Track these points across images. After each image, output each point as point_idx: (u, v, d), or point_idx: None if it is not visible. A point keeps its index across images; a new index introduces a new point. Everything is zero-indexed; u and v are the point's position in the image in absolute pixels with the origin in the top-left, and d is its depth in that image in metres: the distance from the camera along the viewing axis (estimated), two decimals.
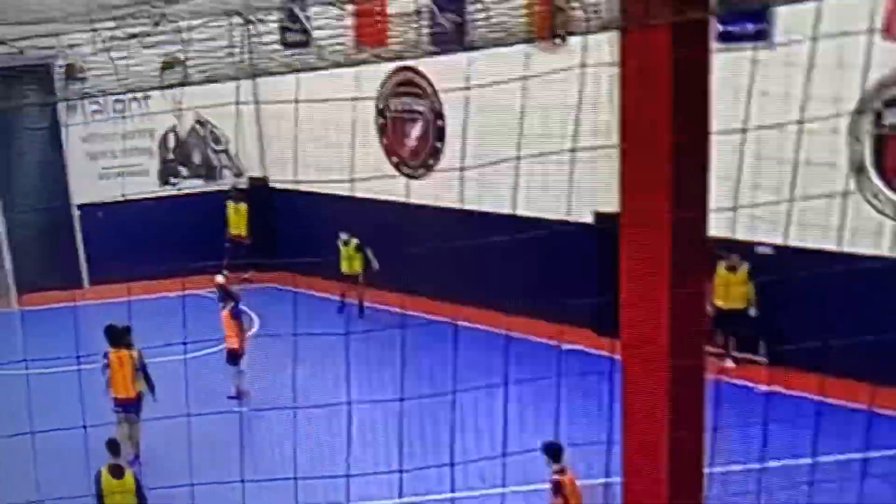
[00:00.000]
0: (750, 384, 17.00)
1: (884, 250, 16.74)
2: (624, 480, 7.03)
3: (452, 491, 12.14)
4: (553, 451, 13.04)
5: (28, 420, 11.20)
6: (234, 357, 19.08)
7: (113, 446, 14.14)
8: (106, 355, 17.09)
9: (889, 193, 17.90)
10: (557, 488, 12.91)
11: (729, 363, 18.70)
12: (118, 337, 17.02)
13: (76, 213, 26.91)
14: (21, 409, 12.08)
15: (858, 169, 18.03)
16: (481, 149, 17.05)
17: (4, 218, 26.10)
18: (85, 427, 11.97)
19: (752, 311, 19.01)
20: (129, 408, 17.09)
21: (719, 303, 18.62)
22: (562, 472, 13.06)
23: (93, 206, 26.75)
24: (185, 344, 13.56)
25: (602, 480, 10.01)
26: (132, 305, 14.45)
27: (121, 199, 24.53)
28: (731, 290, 18.67)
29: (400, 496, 12.48)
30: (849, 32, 7.86)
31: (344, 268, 23.64)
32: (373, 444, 14.94)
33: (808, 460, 10.81)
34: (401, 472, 11.37)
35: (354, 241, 23.56)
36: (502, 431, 12.46)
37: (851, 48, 10.67)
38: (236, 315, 19.54)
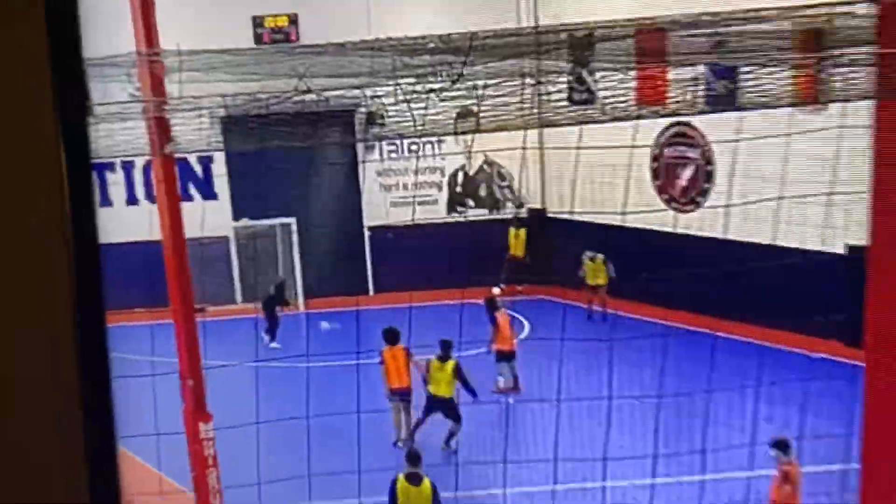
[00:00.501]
0: None
1: None
2: (863, 467, 7.44)
3: (703, 473, 12.60)
4: (783, 445, 12.66)
5: (306, 405, 11.47)
6: (505, 356, 19.44)
7: (413, 457, 13.19)
8: (381, 353, 17.46)
9: None
10: (786, 477, 12.60)
11: None
12: (393, 337, 17.36)
13: (367, 233, 27.80)
14: (301, 395, 12.34)
15: None
16: (746, 187, 17.89)
17: (299, 236, 26.96)
18: (358, 412, 12.82)
19: None
20: (403, 396, 17.41)
21: None
22: (789, 464, 12.64)
23: (383, 228, 27.58)
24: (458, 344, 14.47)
25: (841, 466, 10.16)
26: (413, 311, 15.37)
27: (410, 223, 26.02)
28: None
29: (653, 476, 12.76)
30: None
31: (589, 280, 24.31)
32: (631, 433, 14.98)
33: None
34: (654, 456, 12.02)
35: (600, 256, 24.11)
36: (751, 424, 12.75)
37: None
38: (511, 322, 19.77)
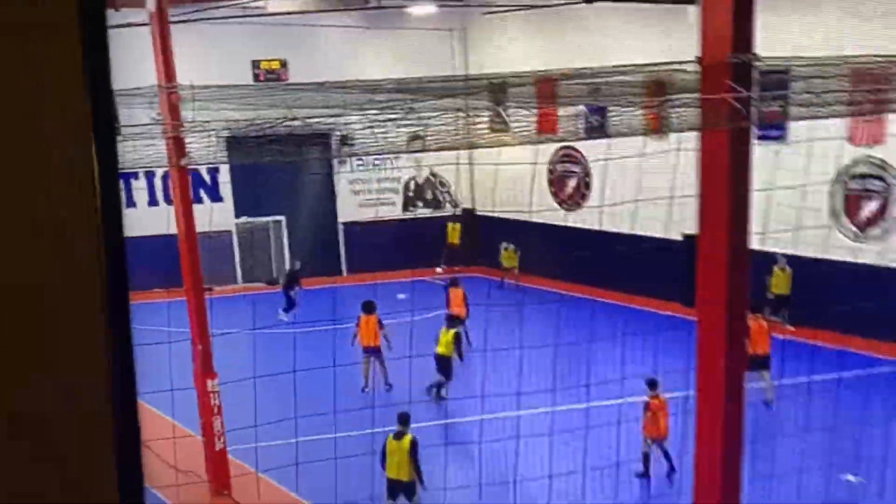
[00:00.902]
0: None
1: (845, 258, 17.89)
2: (697, 391, 7.22)
3: (588, 401, 12.54)
4: (652, 384, 12.57)
5: (293, 364, 10.78)
6: (456, 320, 17.91)
7: (403, 418, 11.71)
8: (358, 318, 16.81)
9: (850, 226, 19.29)
10: (650, 406, 12.54)
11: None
12: (370, 307, 16.79)
13: (340, 227, 27.43)
14: (288, 356, 11.57)
15: (834, 212, 19.40)
16: (613, 192, 17.99)
17: (287, 230, 26.59)
18: (335, 365, 12.37)
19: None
20: (373, 353, 16.91)
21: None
22: (656, 396, 12.47)
23: (353, 224, 27.32)
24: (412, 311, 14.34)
25: (684, 393, 10.05)
26: (377, 286, 15.01)
27: (374, 219, 26.00)
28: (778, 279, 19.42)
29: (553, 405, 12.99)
30: (830, 137, 8.28)
31: (504, 263, 24.34)
32: (536, 373, 14.42)
33: None
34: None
35: (512, 246, 24.23)
36: (620, 364, 12.63)
37: (832, 145, 11.37)
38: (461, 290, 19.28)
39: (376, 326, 16.94)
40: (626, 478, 12.23)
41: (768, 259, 18.61)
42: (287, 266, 25.21)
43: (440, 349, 16.38)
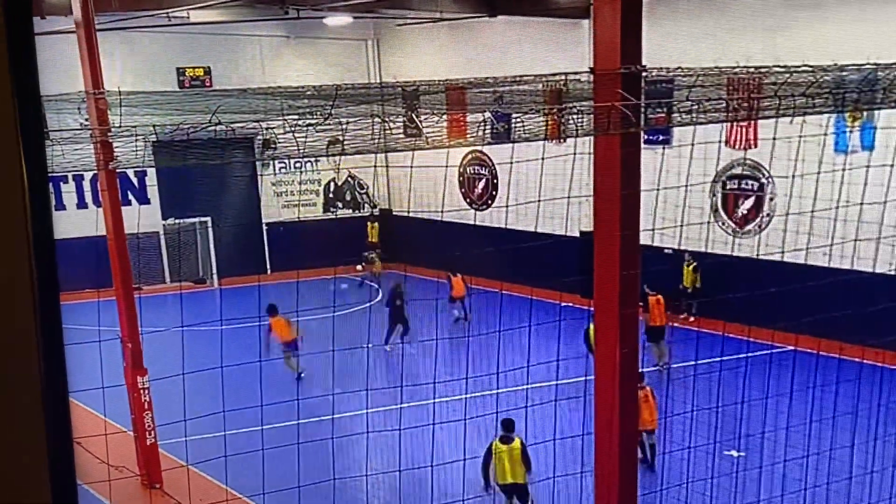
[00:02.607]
0: None
1: (727, 251, 18.36)
2: (595, 366, 7.27)
3: (500, 387, 12.68)
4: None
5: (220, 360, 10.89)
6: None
7: (508, 424, 11.03)
8: (269, 322, 16.94)
9: (729, 222, 20.18)
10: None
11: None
12: (273, 310, 17.02)
13: (264, 227, 27.05)
14: (216, 352, 11.07)
15: (715, 210, 20.20)
16: (518, 193, 18.28)
17: (212, 230, 25.99)
18: (261, 361, 11.86)
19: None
20: (291, 347, 17.02)
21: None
22: (643, 388, 11.87)
23: (276, 224, 26.98)
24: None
25: (584, 377, 10.32)
26: (300, 284, 14.76)
27: (296, 220, 25.78)
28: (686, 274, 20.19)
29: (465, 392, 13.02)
30: (710, 141, 8.64)
31: (372, 269, 24.40)
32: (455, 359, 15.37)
33: None
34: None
35: (375, 253, 24.59)
36: (523, 350, 12.73)
37: (712, 148, 11.79)
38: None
39: (286, 324, 17.12)
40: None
41: (680, 254, 19.45)
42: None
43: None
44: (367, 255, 24.53)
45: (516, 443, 11.01)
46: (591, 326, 11.88)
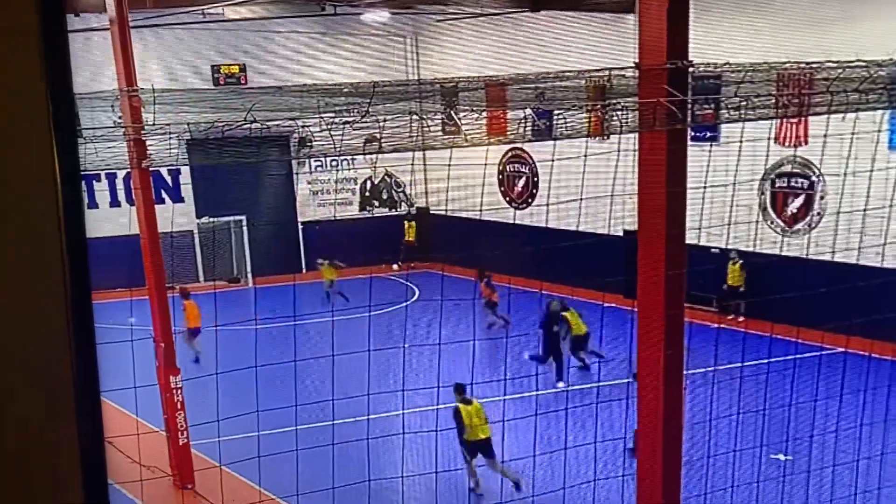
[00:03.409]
0: None
1: (775, 250, 18.29)
2: (639, 370, 7.27)
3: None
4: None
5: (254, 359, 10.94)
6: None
7: (460, 387, 12.19)
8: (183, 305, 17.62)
9: (778, 221, 19.89)
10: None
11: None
12: (185, 293, 18.04)
13: (300, 226, 27.25)
14: (249, 351, 11.09)
15: (763, 208, 19.93)
16: (559, 192, 18.15)
17: (247, 229, 26.19)
18: (295, 360, 11.77)
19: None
20: (194, 332, 17.80)
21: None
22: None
23: (312, 223, 27.15)
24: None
25: (629, 379, 10.26)
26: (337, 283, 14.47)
27: (332, 219, 26.02)
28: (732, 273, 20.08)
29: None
30: (759, 138, 8.49)
31: (326, 276, 23.01)
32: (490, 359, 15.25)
33: None
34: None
35: (327, 262, 23.13)
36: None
37: (761, 145, 11.64)
38: None
39: (196, 309, 18.03)
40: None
41: (725, 254, 19.26)
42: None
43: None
44: (319, 262, 23.58)
45: (476, 402, 12.11)
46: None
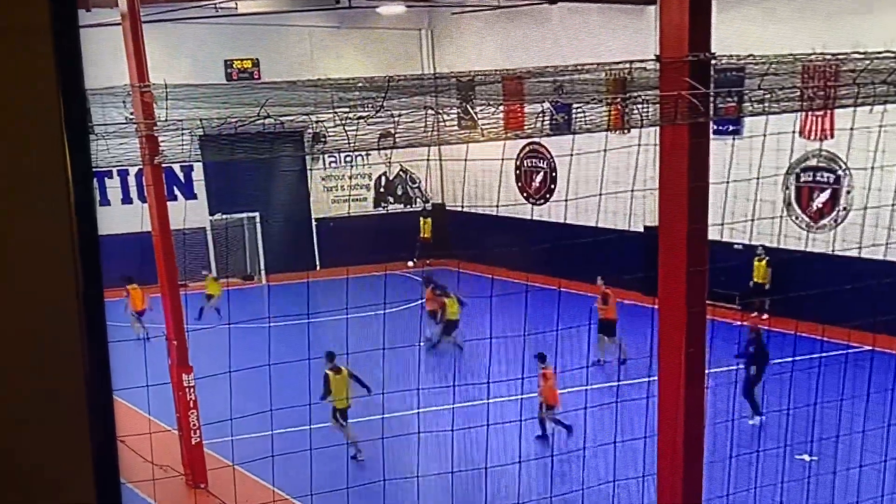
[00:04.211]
0: None
1: (800, 246, 18.32)
2: (660, 368, 7.21)
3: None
4: (541, 357, 13.70)
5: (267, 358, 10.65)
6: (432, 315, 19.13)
7: (331, 355, 13.55)
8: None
9: (803, 216, 19.79)
10: (545, 377, 13.66)
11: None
12: (129, 280, 18.83)
13: (314, 223, 27.19)
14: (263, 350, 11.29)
15: (788, 203, 19.78)
16: (577, 187, 18.06)
17: (260, 225, 26.04)
18: (309, 358, 11.51)
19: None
20: (139, 314, 19.14)
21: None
22: (545, 368, 13.64)
23: (326, 219, 27.12)
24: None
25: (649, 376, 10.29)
26: (350, 281, 14.69)
27: (347, 215, 25.98)
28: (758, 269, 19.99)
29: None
30: (783, 131, 8.41)
31: (209, 291, 22.11)
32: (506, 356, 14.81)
33: None
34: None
35: (212, 274, 22.76)
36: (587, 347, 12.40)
37: (785, 139, 11.53)
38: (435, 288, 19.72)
39: (141, 292, 19.06)
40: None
41: (750, 250, 19.13)
42: None
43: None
44: (204, 273, 22.87)
45: (344, 371, 13.51)
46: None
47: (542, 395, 13.97)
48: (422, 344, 18.03)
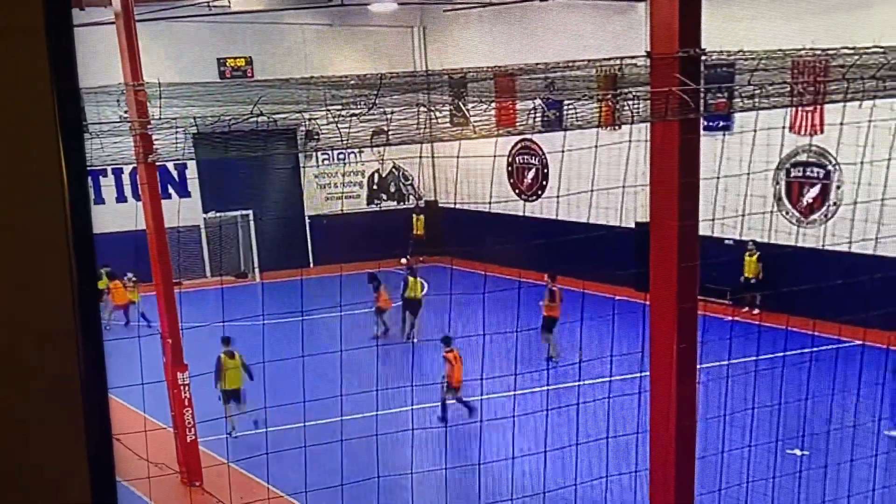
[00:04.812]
0: None
1: (791, 241, 18.22)
2: (651, 361, 7.19)
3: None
4: (447, 340, 14.25)
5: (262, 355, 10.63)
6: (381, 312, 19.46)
7: (227, 340, 14.00)
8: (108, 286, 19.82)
9: (794, 212, 19.79)
10: (449, 360, 14.08)
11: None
12: (111, 274, 19.94)
13: (307, 220, 27.26)
14: (257, 347, 11.41)
15: (778, 198, 19.76)
16: (570, 183, 18.08)
17: (254, 223, 26.08)
18: (303, 354, 11.77)
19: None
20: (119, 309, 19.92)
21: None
22: (451, 351, 14.21)
23: (320, 216, 27.14)
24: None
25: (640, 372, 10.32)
26: (343, 277, 14.77)
27: (339, 212, 26.05)
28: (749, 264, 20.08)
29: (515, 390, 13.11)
30: (774, 127, 8.44)
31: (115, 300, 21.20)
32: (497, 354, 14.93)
33: None
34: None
35: (132, 277, 20.78)
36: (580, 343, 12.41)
37: (775, 134, 11.59)
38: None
39: (122, 289, 20.19)
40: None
41: (741, 245, 19.19)
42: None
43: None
44: (128, 277, 21.31)
45: (238, 356, 14.16)
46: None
47: (447, 377, 14.43)
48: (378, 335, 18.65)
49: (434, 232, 27.01)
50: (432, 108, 8.84)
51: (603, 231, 18.90)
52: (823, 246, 17.95)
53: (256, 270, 25.76)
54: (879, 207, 10.51)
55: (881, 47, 6.93)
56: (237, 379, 14.28)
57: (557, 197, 18.45)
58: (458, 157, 9.92)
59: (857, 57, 6.85)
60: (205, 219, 25.83)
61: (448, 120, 9.07)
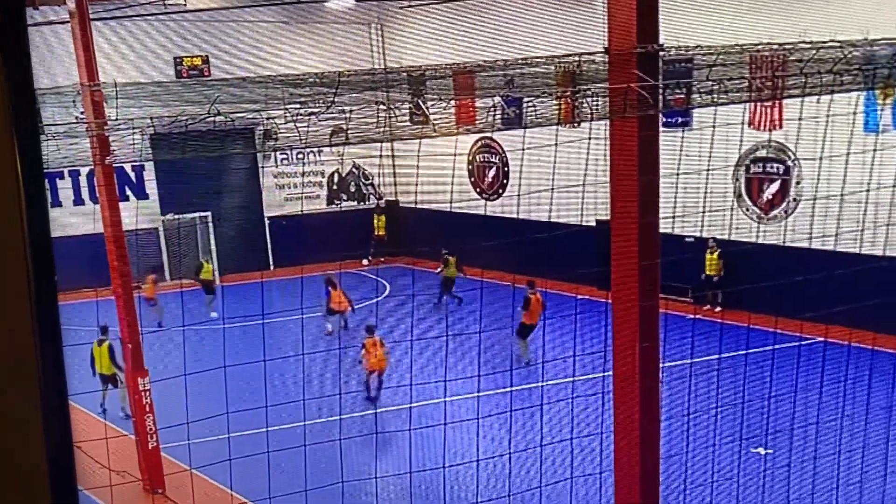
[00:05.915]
0: None
1: (752, 238, 18.76)
2: (614, 361, 7.14)
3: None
4: (369, 329, 15.45)
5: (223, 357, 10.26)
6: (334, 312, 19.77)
7: (104, 329, 14.91)
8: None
9: (754, 208, 20.08)
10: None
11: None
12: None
13: (267, 222, 27.18)
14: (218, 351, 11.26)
15: (738, 195, 20.02)
16: (530, 181, 18.21)
17: (213, 225, 25.88)
18: (265, 359, 11.30)
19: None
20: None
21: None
22: (371, 338, 15.35)
23: (279, 217, 26.94)
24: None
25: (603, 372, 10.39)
26: (304, 279, 14.69)
27: (299, 213, 25.87)
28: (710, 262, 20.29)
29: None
30: (732, 123, 8.52)
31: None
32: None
33: None
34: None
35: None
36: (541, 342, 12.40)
37: (734, 130, 11.74)
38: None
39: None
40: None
41: (702, 242, 19.41)
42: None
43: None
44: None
45: (105, 345, 15.26)
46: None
47: (366, 363, 15.60)
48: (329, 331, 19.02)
49: (396, 232, 26.98)
50: (391, 107, 8.68)
51: (564, 230, 19.00)
52: (784, 242, 18.23)
53: (216, 273, 25.47)
54: (839, 203, 10.70)
55: (837, 41, 7.04)
56: (108, 365, 15.53)
57: (518, 196, 18.50)
58: (418, 155, 9.81)
59: (814, 51, 6.95)
60: (163, 221, 25.57)
61: (408, 118, 8.97)
